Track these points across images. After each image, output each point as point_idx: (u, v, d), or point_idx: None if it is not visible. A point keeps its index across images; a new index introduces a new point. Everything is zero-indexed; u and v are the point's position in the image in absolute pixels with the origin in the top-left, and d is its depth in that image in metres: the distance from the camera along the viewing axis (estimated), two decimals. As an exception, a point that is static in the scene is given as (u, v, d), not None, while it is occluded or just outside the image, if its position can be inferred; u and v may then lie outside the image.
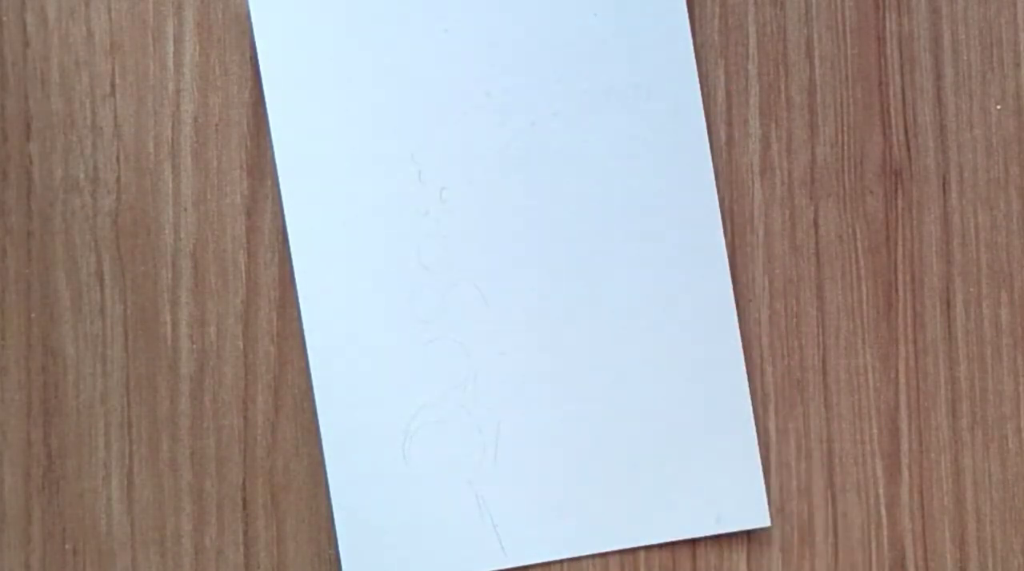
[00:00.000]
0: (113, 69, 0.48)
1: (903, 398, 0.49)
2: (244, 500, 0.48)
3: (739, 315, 0.49)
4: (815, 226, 0.50)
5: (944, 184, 0.50)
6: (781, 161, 0.50)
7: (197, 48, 0.49)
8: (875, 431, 0.49)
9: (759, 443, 0.48)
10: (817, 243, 0.50)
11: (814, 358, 0.49)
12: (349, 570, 0.47)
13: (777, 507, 0.49)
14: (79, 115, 0.48)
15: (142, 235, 0.48)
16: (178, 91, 0.48)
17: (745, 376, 0.49)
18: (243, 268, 0.48)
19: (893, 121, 0.50)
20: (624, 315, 0.48)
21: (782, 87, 0.50)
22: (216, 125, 0.49)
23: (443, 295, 0.48)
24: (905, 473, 0.49)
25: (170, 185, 0.48)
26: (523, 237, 0.49)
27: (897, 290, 0.50)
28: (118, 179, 0.48)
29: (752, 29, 0.50)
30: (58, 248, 0.48)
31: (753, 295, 0.49)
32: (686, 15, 0.49)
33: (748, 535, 0.48)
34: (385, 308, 0.48)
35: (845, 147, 0.50)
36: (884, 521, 0.49)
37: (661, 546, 0.48)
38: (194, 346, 0.48)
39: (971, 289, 0.50)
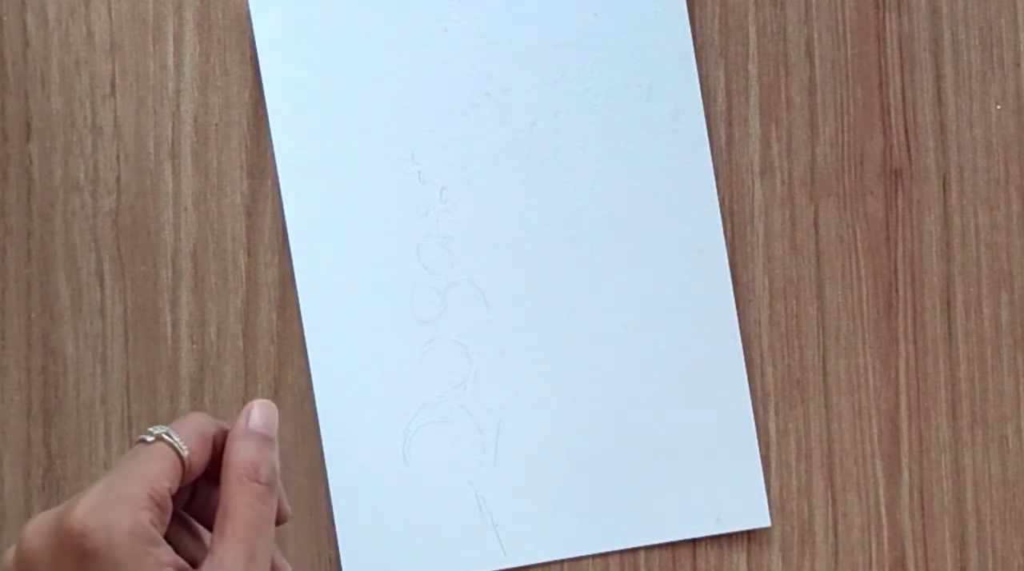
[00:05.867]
0: (113, 69, 0.48)
1: (903, 398, 0.49)
2: (244, 500, 0.48)
3: (739, 315, 0.49)
4: (815, 226, 0.50)
5: (944, 184, 0.50)
6: (781, 161, 0.50)
7: (197, 48, 0.49)
8: (875, 431, 0.49)
9: (759, 443, 0.48)
10: (817, 243, 0.50)
11: (814, 358, 0.49)
12: (349, 570, 0.47)
13: (777, 507, 0.49)
14: (79, 115, 0.48)
15: (142, 235, 0.48)
16: (178, 91, 0.48)
17: (745, 376, 0.49)
18: (243, 268, 0.48)
19: (893, 121, 0.50)
20: (624, 315, 0.48)
21: (782, 87, 0.50)
22: (216, 125, 0.48)
23: (443, 295, 0.48)
24: (905, 473, 0.49)
25: (170, 185, 0.48)
26: (523, 237, 0.49)
27: (897, 290, 0.50)
28: (118, 179, 0.48)
29: (752, 29, 0.50)
30: (58, 248, 0.48)
31: (753, 295, 0.49)
32: (686, 15, 0.49)
33: (748, 535, 0.48)
34: (385, 308, 0.48)
35: (845, 147, 0.50)
36: (884, 521, 0.49)
37: (661, 546, 0.48)
38: (194, 346, 0.48)
39: (971, 289, 0.50)
